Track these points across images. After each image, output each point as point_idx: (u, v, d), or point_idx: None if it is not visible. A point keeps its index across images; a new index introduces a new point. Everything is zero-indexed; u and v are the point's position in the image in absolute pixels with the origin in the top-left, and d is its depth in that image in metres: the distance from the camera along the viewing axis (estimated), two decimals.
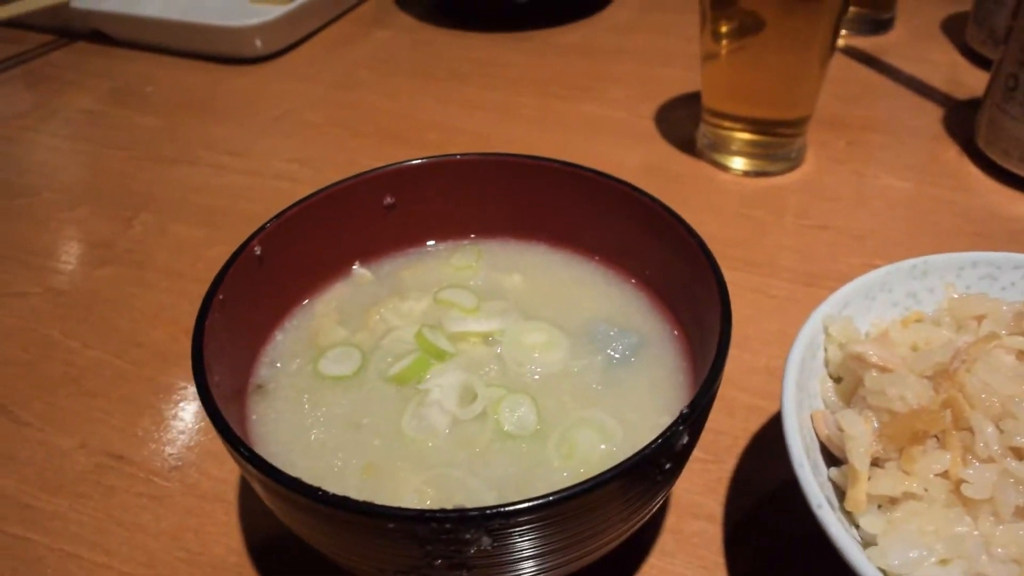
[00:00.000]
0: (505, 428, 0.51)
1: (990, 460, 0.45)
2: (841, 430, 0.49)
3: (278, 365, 0.58)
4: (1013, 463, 0.44)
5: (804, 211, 0.90)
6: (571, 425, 0.51)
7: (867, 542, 0.46)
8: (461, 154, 0.64)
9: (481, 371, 0.55)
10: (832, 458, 0.51)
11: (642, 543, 0.58)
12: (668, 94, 1.13)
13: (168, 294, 0.83)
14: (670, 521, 0.59)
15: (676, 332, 0.58)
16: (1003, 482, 0.44)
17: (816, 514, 0.44)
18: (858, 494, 0.47)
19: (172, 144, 1.09)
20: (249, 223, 0.57)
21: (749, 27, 0.87)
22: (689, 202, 0.92)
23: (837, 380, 0.55)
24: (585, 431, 0.51)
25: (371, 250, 0.66)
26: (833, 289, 0.59)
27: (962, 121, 1.04)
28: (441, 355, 0.56)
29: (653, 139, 1.04)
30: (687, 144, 1.02)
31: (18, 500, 0.63)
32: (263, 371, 0.57)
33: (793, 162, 0.96)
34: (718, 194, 0.93)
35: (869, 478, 0.48)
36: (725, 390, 0.68)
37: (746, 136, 0.95)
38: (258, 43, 1.28)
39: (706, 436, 0.65)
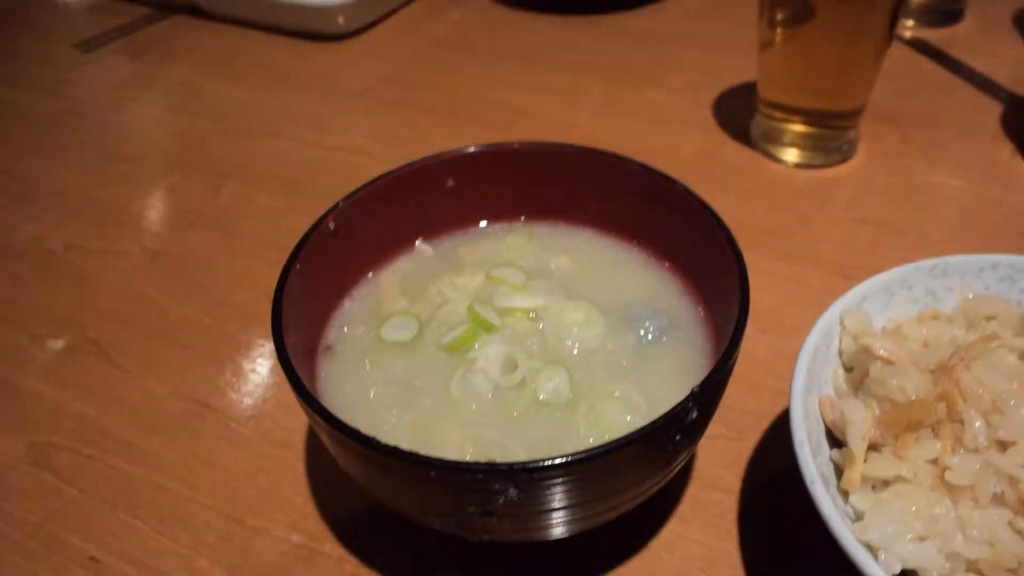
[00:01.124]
0: (541, 397, 0.57)
1: (976, 451, 0.50)
2: (844, 415, 0.54)
3: (345, 330, 0.65)
4: (996, 454, 0.49)
5: (850, 204, 0.93)
6: (600, 397, 0.57)
7: (858, 518, 0.51)
8: (519, 143, 0.70)
9: (524, 344, 0.62)
10: (836, 441, 0.56)
11: (663, 510, 0.64)
12: (729, 82, 1.17)
13: (251, 259, 0.92)
14: (690, 491, 0.65)
15: (704, 316, 0.63)
16: (984, 471, 0.48)
17: (808, 488, 0.49)
18: (853, 474, 0.52)
19: (258, 117, 1.18)
20: (327, 195, 0.64)
21: (803, 16, 0.89)
22: (739, 191, 0.96)
23: (849, 369, 0.60)
24: (612, 403, 0.57)
25: (433, 228, 0.72)
26: None
27: (1021, 120, 1.05)
28: (489, 327, 0.62)
29: (710, 127, 1.08)
30: (742, 134, 1.05)
31: (120, 437, 0.72)
32: (332, 334, 0.64)
33: (844, 155, 0.99)
34: (768, 184, 0.97)
35: (866, 461, 0.53)
36: (754, 373, 0.73)
37: (798, 128, 0.98)
38: (341, 20, 1.35)
39: (731, 415, 0.70)
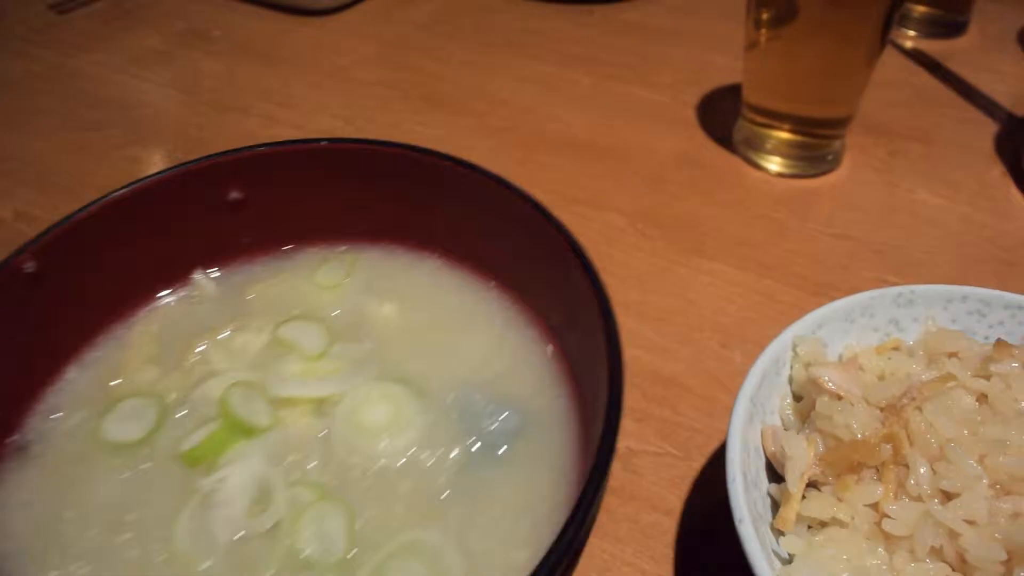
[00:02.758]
0: (303, 553, 0.40)
1: (919, 499, 0.47)
2: (784, 450, 0.51)
3: (57, 416, 0.48)
4: (937, 506, 0.45)
5: (829, 218, 0.89)
6: (393, 552, 0.41)
7: (789, 560, 0.48)
8: (328, 139, 0.54)
9: (295, 457, 0.45)
10: (777, 474, 0.53)
11: (597, 527, 0.60)
12: (717, 82, 1.13)
13: None
14: (628, 510, 0.61)
15: (572, 413, 0.46)
16: (924, 522, 0.45)
17: (736, 528, 0.46)
18: (788, 513, 0.48)
19: (229, 91, 1.14)
20: None
21: (790, 16, 0.85)
22: (714, 197, 0.92)
23: (798, 399, 0.57)
24: (410, 563, 0.40)
25: (216, 255, 0.56)
26: None
27: (1015, 141, 1.00)
28: (249, 431, 0.45)
29: (692, 128, 1.04)
30: (724, 137, 1.01)
31: None
32: (36, 424, 0.47)
33: (828, 166, 0.95)
34: (745, 192, 0.93)
35: (804, 498, 0.49)
36: (709, 388, 0.70)
37: (782, 135, 0.94)
38: None
39: (680, 432, 0.67)
